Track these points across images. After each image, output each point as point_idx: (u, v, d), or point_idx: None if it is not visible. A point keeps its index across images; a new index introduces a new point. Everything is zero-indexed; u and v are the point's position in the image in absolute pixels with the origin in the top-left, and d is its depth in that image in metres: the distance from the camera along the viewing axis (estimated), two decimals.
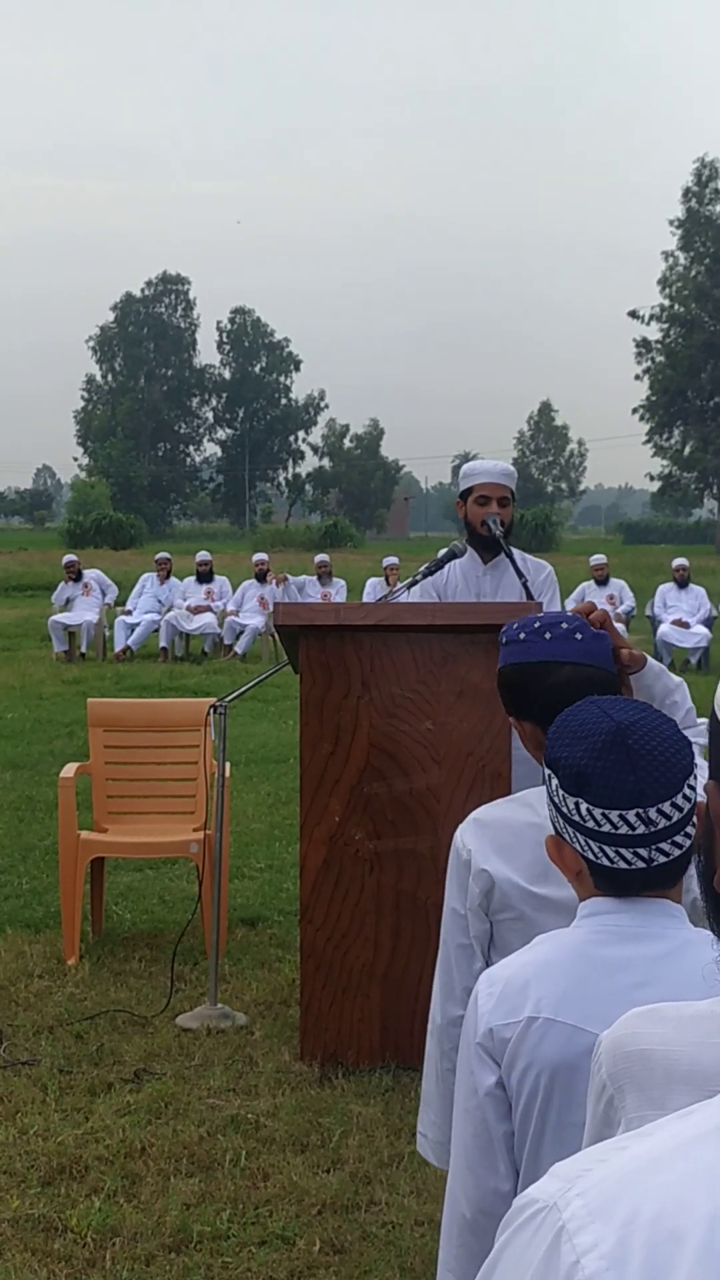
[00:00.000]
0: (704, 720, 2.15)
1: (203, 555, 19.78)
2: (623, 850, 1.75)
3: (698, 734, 2.19)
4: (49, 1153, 4.02)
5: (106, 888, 6.40)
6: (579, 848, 1.79)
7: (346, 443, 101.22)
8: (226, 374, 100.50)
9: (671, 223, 64.06)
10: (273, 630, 14.97)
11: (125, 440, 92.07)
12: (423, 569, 5.13)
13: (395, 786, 4.58)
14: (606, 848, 1.75)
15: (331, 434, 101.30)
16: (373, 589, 18.63)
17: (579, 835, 1.78)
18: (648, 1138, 0.76)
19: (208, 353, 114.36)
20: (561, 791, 1.80)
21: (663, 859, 1.75)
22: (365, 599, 17.15)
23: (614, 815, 1.74)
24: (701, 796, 0.92)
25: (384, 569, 19.21)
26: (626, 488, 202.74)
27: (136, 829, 6.20)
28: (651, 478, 65.94)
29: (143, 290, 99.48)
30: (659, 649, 17.31)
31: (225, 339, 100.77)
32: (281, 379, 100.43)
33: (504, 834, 2.36)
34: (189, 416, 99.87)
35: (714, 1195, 0.69)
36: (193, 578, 19.10)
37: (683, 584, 18.33)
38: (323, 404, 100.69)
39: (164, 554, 20.41)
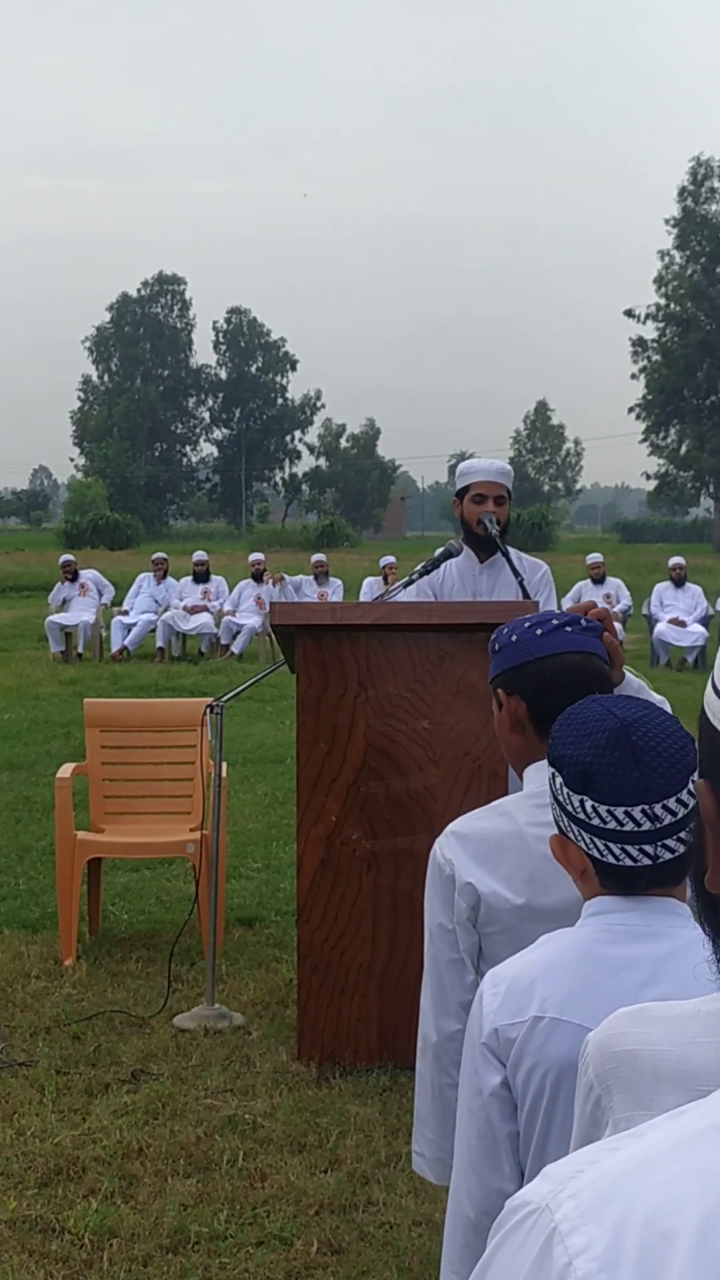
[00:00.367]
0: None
1: (199, 555, 19.78)
2: (628, 847, 1.75)
3: None
4: (46, 1154, 4.01)
5: (103, 888, 6.39)
6: (584, 846, 1.78)
7: (343, 442, 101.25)
8: (223, 374, 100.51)
9: (667, 221, 64.13)
10: (269, 630, 14.96)
11: (121, 440, 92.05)
12: (419, 568, 5.13)
13: (392, 786, 4.58)
14: (612, 845, 1.75)
15: (328, 434, 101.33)
16: (369, 588, 18.64)
17: (584, 833, 1.78)
18: (640, 1138, 0.76)
19: (204, 353, 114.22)
20: (566, 789, 1.79)
21: (668, 855, 1.75)
22: (362, 599, 17.16)
23: (619, 812, 1.74)
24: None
25: (381, 568, 19.22)
26: (623, 487, 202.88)
27: (133, 829, 6.19)
28: (648, 477, 65.98)
29: (139, 290, 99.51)
30: (656, 648, 17.32)
31: (221, 339, 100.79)
32: (278, 379, 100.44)
33: (484, 846, 2.34)
34: (185, 416, 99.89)
35: (706, 1195, 0.69)
36: (189, 578, 19.10)
37: (679, 583, 18.34)
38: (319, 404, 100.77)
39: (160, 554, 20.41)
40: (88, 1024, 5.03)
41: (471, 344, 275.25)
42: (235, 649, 17.82)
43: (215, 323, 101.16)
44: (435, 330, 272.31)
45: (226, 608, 18.53)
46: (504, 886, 2.31)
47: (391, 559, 19.69)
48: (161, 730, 6.40)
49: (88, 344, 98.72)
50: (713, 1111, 0.75)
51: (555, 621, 2.30)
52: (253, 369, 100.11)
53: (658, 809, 1.74)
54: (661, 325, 63.37)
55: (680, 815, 1.74)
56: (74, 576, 18.73)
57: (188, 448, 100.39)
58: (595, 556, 19.08)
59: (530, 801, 2.33)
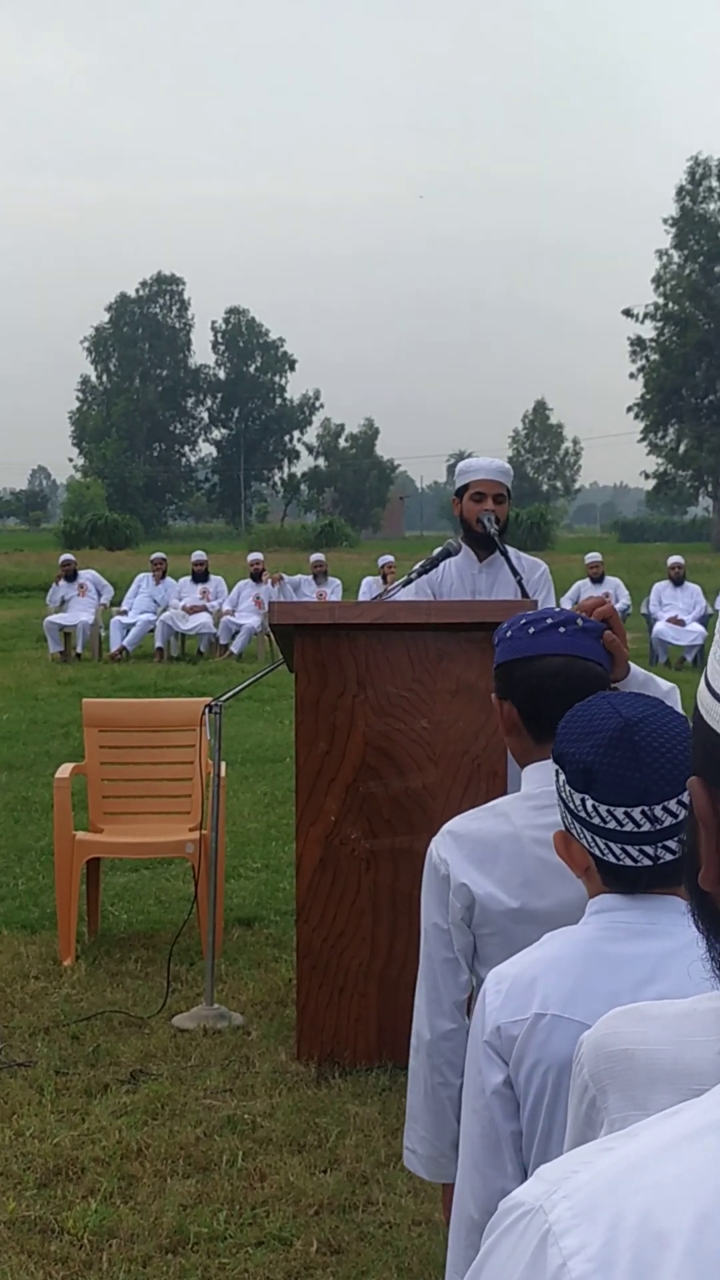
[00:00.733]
0: None
1: (198, 555, 19.77)
2: (629, 847, 1.74)
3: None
4: (45, 1154, 4.01)
5: (102, 888, 6.39)
6: (586, 844, 1.78)
7: (341, 442, 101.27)
8: (221, 374, 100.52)
9: (665, 221, 64.16)
10: (268, 630, 14.96)
11: (120, 441, 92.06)
12: (418, 567, 5.12)
13: (391, 785, 4.57)
14: (613, 844, 1.75)
15: (326, 433, 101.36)
16: (368, 588, 18.63)
17: (586, 831, 1.77)
18: (634, 1139, 0.76)
19: (202, 353, 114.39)
20: (569, 787, 1.79)
21: (669, 856, 1.74)
22: (361, 598, 17.14)
23: (619, 812, 1.74)
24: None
25: (380, 567, 19.21)
26: (621, 486, 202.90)
27: (132, 829, 6.19)
28: (646, 476, 66.03)
29: (138, 290, 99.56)
30: (654, 647, 17.32)
31: (220, 339, 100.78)
32: (276, 379, 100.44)
33: (480, 847, 2.34)
34: (184, 417, 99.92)
35: (701, 1196, 0.68)
36: (188, 578, 19.09)
37: (678, 582, 18.35)
38: (317, 403, 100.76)
39: (159, 554, 20.41)
40: (87, 1024, 5.03)
41: (470, 344, 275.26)
42: (234, 649, 17.82)
43: (214, 323, 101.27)
44: (434, 329, 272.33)
45: (225, 607, 18.52)
46: (499, 889, 2.31)
47: (390, 558, 19.68)
48: (160, 730, 6.40)
49: (86, 344, 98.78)
50: (706, 1111, 0.75)
51: (550, 621, 2.29)
52: (251, 369, 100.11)
53: (658, 810, 1.73)
54: (660, 325, 63.40)
55: (681, 817, 1.73)
56: (73, 576, 18.73)
57: (186, 448, 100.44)
58: (594, 556, 19.08)
59: (527, 803, 2.32)
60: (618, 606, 19.01)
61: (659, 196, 77.52)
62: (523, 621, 2.31)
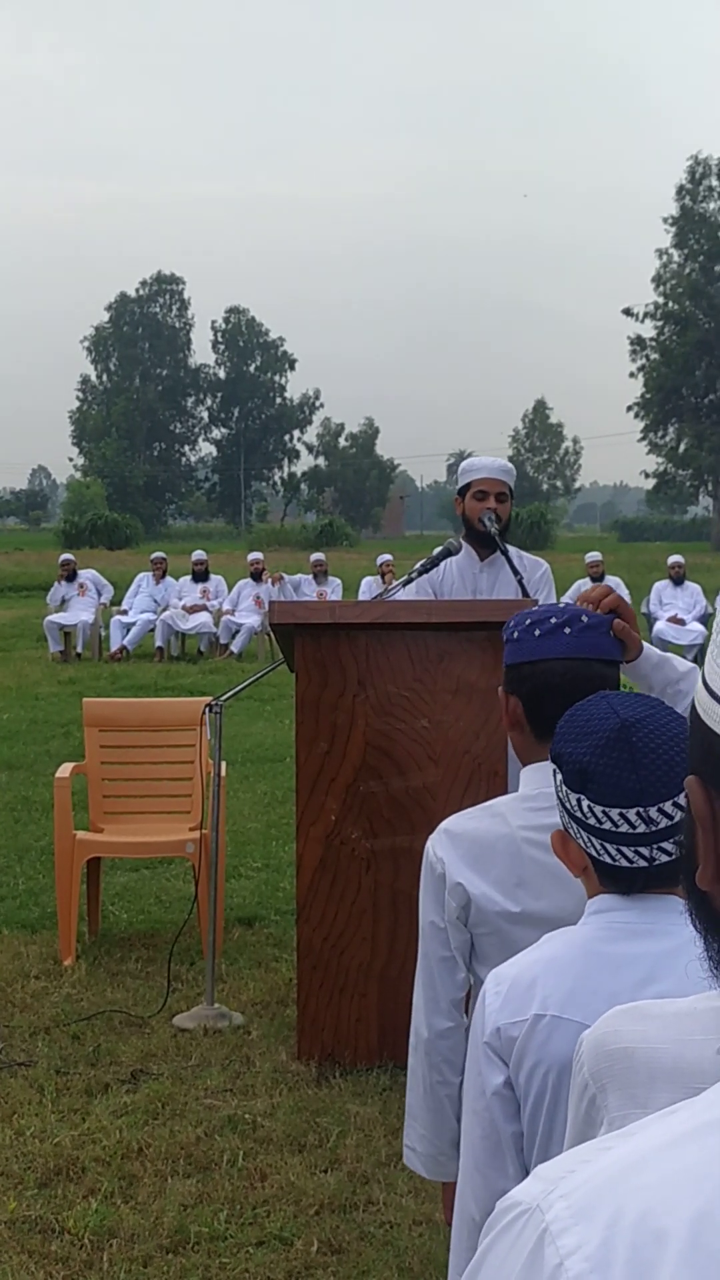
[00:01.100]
0: None
1: (198, 555, 19.77)
2: (624, 848, 1.74)
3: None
4: (46, 1154, 4.01)
5: (103, 888, 6.38)
6: (582, 844, 1.78)
7: (341, 441, 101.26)
8: (221, 373, 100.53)
9: (665, 220, 64.16)
10: (268, 629, 14.96)
11: (120, 440, 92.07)
12: (419, 566, 5.12)
13: (391, 785, 4.57)
14: (608, 845, 1.74)
15: (326, 433, 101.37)
16: (368, 587, 18.63)
17: (582, 831, 1.77)
18: (631, 1138, 0.76)
19: (202, 352, 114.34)
20: (565, 787, 1.79)
21: (664, 858, 1.73)
22: (361, 598, 17.15)
23: (614, 813, 1.73)
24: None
25: (379, 566, 19.21)
26: (622, 485, 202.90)
27: (132, 829, 6.19)
28: (646, 475, 66.04)
29: (137, 290, 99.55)
30: (655, 646, 17.30)
31: (220, 338, 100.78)
32: (276, 378, 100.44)
33: (476, 847, 2.33)
34: (184, 416, 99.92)
35: (698, 1195, 0.68)
36: (188, 577, 19.09)
37: (678, 581, 18.34)
38: (318, 403, 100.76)
39: (159, 554, 20.42)
40: (87, 1024, 5.03)
41: (470, 342, 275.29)
42: (234, 648, 17.82)
43: (214, 322, 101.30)
44: (434, 329, 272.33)
45: (225, 607, 18.52)
46: (494, 889, 2.31)
47: (388, 557, 19.68)
48: (160, 730, 6.40)
49: (86, 344, 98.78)
50: (704, 1110, 0.74)
51: (554, 621, 2.28)
52: (251, 368, 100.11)
53: (653, 812, 1.73)
54: (660, 324, 63.41)
55: (677, 819, 1.73)
56: (73, 576, 18.73)
57: (186, 447, 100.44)
58: (594, 555, 19.07)
59: (524, 804, 2.32)
60: None
61: (659, 196, 77.54)
62: (528, 622, 2.29)
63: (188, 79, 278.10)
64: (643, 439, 64.82)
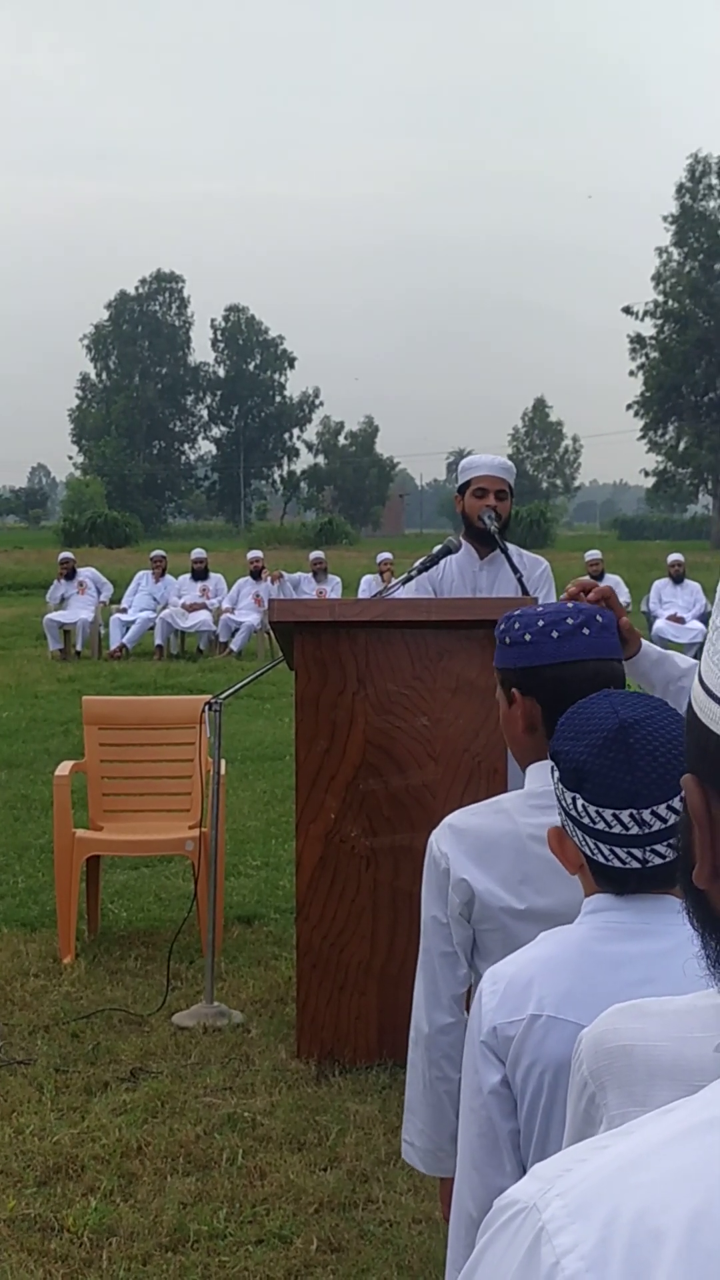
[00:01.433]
0: None
1: (198, 553, 19.78)
2: (617, 849, 1.73)
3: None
4: (45, 1152, 4.00)
5: (102, 886, 6.38)
6: (577, 842, 1.77)
7: (341, 440, 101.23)
8: (221, 372, 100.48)
9: (665, 218, 64.13)
10: (268, 627, 14.95)
11: (120, 438, 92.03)
12: (418, 564, 5.11)
13: (391, 783, 4.57)
14: (602, 845, 1.74)
15: (326, 431, 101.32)
16: (368, 585, 18.64)
17: (577, 830, 1.77)
18: (628, 1136, 0.75)
19: (202, 350, 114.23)
20: (561, 785, 1.79)
21: (658, 860, 1.73)
22: (360, 596, 17.14)
23: (608, 814, 1.73)
24: None
25: (378, 564, 19.21)
26: (621, 484, 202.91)
27: (132, 827, 6.18)
28: (646, 473, 66.02)
29: (137, 288, 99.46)
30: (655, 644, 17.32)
31: (220, 337, 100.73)
32: (276, 376, 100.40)
33: (480, 842, 2.32)
34: (184, 414, 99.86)
35: (695, 1194, 0.68)
36: (188, 575, 19.09)
37: (678, 579, 18.35)
38: (317, 401, 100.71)
39: (159, 552, 20.43)
40: (87, 1022, 5.02)
41: (470, 341, 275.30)
42: (234, 646, 17.83)
43: (213, 320, 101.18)
44: (434, 327, 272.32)
45: (225, 605, 18.53)
46: (499, 886, 2.30)
47: (388, 556, 19.68)
48: (160, 728, 6.39)
49: (86, 342, 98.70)
50: (702, 1108, 0.74)
51: (571, 622, 2.24)
52: (251, 366, 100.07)
53: (646, 814, 1.72)
54: (660, 322, 63.39)
55: (670, 822, 1.72)
56: (72, 574, 18.73)
57: (186, 445, 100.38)
58: (594, 553, 19.07)
59: (530, 801, 2.31)
60: None
61: (659, 194, 77.53)
62: (540, 624, 2.24)
63: (188, 78, 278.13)
64: (642, 437, 64.82)
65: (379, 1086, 4.46)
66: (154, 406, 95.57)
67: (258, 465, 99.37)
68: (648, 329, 63.78)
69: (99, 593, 18.73)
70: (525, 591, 4.90)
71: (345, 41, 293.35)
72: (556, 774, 1.80)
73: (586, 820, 1.75)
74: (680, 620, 17.47)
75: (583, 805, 1.75)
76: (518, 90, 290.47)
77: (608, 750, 1.74)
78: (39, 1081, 4.50)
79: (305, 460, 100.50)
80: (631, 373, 64.43)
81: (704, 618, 17.58)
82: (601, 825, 1.73)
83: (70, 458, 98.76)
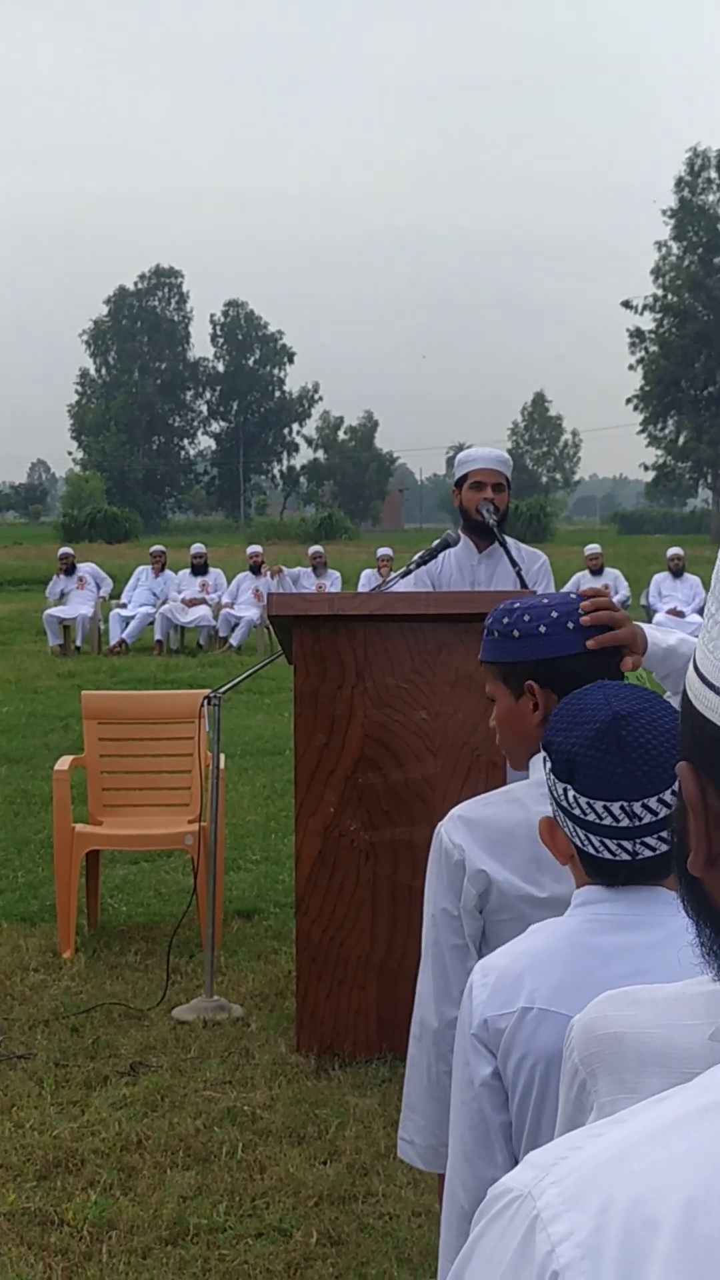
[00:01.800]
0: None
1: (198, 548, 19.78)
2: (608, 841, 1.73)
3: None
4: (45, 1146, 4.01)
5: (102, 881, 6.38)
6: (568, 833, 1.77)
7: (341, 435, 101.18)
8: (220, 367, 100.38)
9: (665, 212, 64.06)
10: (267, 622, 14.96)
11: (119, 434, 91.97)
12: (417, 557, 5.11)
13: (390, 777, 4.57)
14: (592, 836, 1.74)
15: (326, 426, 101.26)
16: (367, 580, 18.65)
17: (568, 821, 1.77)
18: (623, 1124, 0.75)
19: (201, 346, 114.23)
20: (553, 776, 1.78)
21: (648, 853, 1.72)
22: (360, 590, 17.15)
23: (599, 806, 1.73)
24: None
25: (377, 560, 19.22)
26: (621, 478, 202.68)
27: (132, 821, 6.18)
28: (646, 468, 65.99)
29: (136, 284, 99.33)
30: None
31: (219, 332, 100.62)
32: (275, 371, 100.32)
33: (494, 832, 2.31)
34: (183, 410, 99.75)
35: (689, 1181, 0.68)
36: (188, 570, 19.10)
37: (677, 573, 18.36)
38: (316, 396, 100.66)
39: (159, 547, 20.45)
40: (86, 1016, 5.03)
41: (469, 336, 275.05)
42: (234, 641, 17.83)
43: (213, 316, 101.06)
44: (433, 322, 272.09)
45: (225, 600, 18.53)
46: (516, 875, 2.28)
47: (387, 551, 19.70)
48: (159, 722, 6.39)
49: (85, 337, 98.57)
50: (696, 1096, 0.74)
51: (580, 613, 2.24)
52: (250, 362, 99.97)
53: (637, 807, 1.71)
54: (659, 316, 63.35)
55: (662, 815, 1.71)
56: (72, 570, 18.74)
57: (185, 441, 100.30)
58: (593, 548, 19.08)
59: (540, 789, 2.30)
60: (617, 598, 18.97)
61: (658, 188, 77.41)
62: (554, 615, 2.22)
63: (187, 73, 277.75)
64: (642, 431, 64.77)
65: (378, 1080, 4.46)
66: (153, 402, 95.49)
67: (257, 460, 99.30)
68: (647, 323, 63.81)
69: (99, 588, 18.74)
70: (524, 585, 4.90)
71: (343, 36, 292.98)
72: (549, 765, 1.79)
73: (577, 811, 1.74)
74: (680, 614, 17.48)
75: (574, 796, 1.74)
76: (517, 83, 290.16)
77: (600, 742, 1.74)
78: (39, 1076, 4.50)
79: (305, 455, 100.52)
80: (631, 367, 64.43)
81: (703, 611, 17.58)
82: (592, 817, 1.73)
83: (70, 453, 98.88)
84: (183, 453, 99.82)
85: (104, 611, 18.56)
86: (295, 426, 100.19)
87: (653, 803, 1.72)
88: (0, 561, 35.07)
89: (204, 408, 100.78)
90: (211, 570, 19.22)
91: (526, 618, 2.24)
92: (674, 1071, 1.09)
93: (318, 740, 4.58)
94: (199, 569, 19.06)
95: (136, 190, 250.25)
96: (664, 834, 1.72)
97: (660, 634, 2.44)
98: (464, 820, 2.35)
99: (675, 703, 1.89)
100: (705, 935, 0.87)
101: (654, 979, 1.63)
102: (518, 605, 2.27)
